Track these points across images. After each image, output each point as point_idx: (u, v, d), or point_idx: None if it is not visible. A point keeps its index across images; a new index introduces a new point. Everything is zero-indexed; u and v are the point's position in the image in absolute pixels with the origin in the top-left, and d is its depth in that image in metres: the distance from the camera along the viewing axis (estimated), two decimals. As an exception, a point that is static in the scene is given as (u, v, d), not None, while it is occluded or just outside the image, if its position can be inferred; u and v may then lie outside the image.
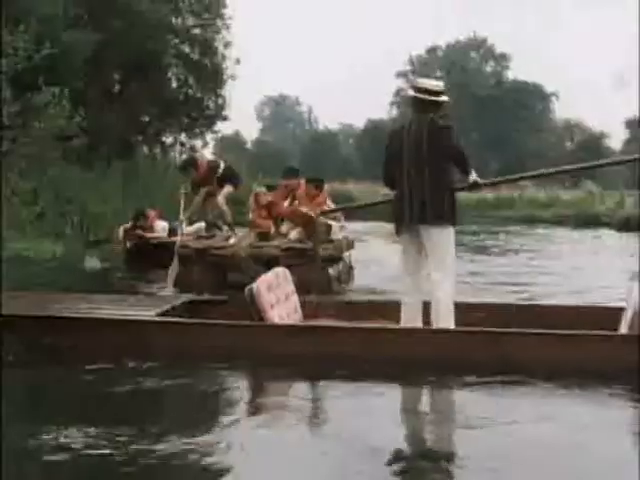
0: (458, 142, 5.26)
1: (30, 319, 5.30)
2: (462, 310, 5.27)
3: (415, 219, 5.25)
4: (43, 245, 11.67)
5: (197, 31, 21.61)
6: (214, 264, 8.44)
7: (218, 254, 8.51)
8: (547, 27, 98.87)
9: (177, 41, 21.10)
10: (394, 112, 58.46)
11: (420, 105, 5.35)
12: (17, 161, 12.73)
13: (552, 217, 24.01)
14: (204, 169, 10.30)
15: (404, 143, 5.28)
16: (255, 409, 4.40)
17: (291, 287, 5.72)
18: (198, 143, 23.27)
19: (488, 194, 28.66)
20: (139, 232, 10.68)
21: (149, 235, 10.63)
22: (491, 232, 18.95)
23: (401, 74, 60.12)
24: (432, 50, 60.67)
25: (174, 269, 8.38)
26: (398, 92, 59.00)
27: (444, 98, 5.38)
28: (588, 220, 21.81)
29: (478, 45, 60.49)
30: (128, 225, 10.90)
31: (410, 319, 5.36)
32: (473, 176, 5.30)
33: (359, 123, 63.59)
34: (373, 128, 55.55)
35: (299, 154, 59.21)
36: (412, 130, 5.27)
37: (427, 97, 5.31)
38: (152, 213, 11.13)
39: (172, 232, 10.37)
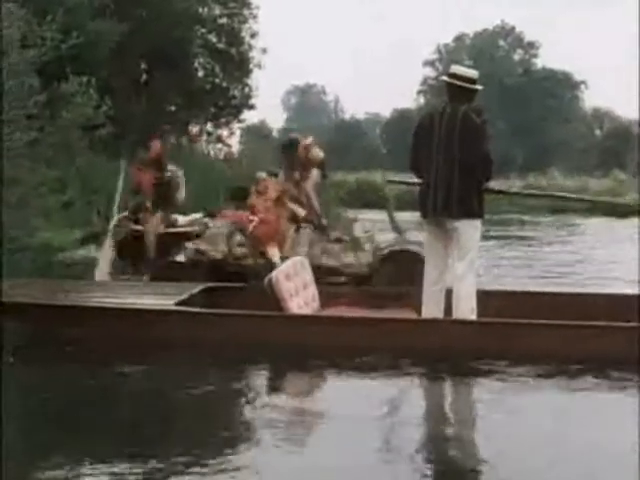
0: (488, 145, 5.20)
1: (36, 307, 5.28)
2: (479, 299, 5.25)
3: (440, 211, 5.22)
4: (70, 234, 11.78)
5: (224, 20, 21.65)
6: (234, 274, 7.54)
7: (239, 263, 7.72)
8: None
9: (204, 31, 21.16)
10: (421, 100, 58.09)
11: (453, 92, 5.31)
12: (45, 150, 12.86)
13: (582, 205, 23.72)
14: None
15: (435, 131, 5.23)
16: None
17: (309, 276, 5.75)
18: (224, 132, 23.38)
19: (517, 182, 28.51)
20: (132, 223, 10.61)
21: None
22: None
23: (428, 63, 59.71)
24: (459, 38, 60.12)
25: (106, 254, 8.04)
26: (425, 81, 58.63)
27: (477, 87, 5.34)
28: (619, 208, 21.45)
29: (506, 33, 59.83)
30: (121, 216, 10.85)
31: (432, 309, 5.35)
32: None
33: (385, 112, 63.41)
34: (399, 117, 55.26)
35: (325, 143, 59.03)
36: (444, 119, 5.22)
37: (460, 84, 5.28)
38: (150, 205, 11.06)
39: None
